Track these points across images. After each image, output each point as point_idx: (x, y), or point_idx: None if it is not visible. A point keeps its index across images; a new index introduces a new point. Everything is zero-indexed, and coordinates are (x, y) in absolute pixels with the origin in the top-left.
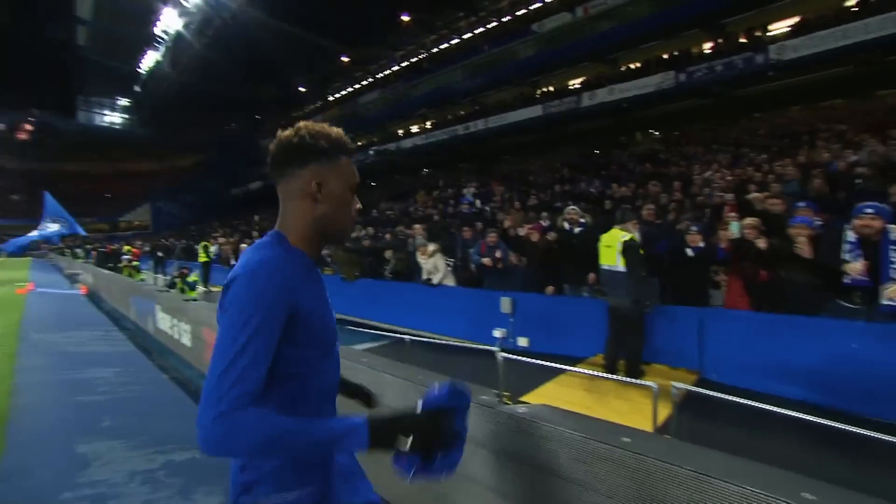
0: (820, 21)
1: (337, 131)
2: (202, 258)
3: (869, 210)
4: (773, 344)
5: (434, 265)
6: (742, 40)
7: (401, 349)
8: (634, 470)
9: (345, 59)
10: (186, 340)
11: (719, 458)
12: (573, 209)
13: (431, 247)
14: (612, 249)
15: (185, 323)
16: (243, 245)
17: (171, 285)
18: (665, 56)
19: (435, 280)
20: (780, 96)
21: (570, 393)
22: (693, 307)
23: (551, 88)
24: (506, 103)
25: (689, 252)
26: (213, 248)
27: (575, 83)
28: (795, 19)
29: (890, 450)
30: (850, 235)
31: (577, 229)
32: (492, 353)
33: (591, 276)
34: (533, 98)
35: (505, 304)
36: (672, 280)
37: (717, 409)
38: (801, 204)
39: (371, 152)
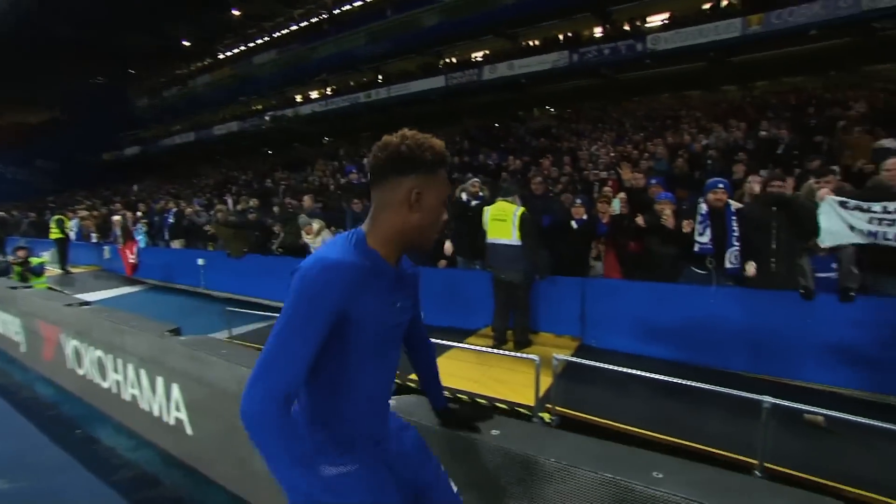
0: (683, 19)
1: (440, 144)
2: (55, 234)
3: (720, 185)
4: (642, 309)
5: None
6: (626, 28)
7: None
8: (502, 460)
9: (236, 12)
10: (16, 338)
11: (579, 442)
12: (476, 181)
13: (316, 225)
14: (505, 223)
15: (13, 316)
16: (116, 218)
17: (5, 271)
18: (561, 36)
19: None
20: (654, 83)
21: (461, 367)
22: (576, 277)
23: (454, 60)
24: (409, 72)
25: (574, 224)
26: (71, 223)
27: (477, 56)
28: (666, 14)
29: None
30: (703, 208)
31: (474, 202)
32: None
33: None
34: (436, 68)
35: None
36: (556, 251)
37: (593, 375)
38: (653, 181)
39: (266, 117)
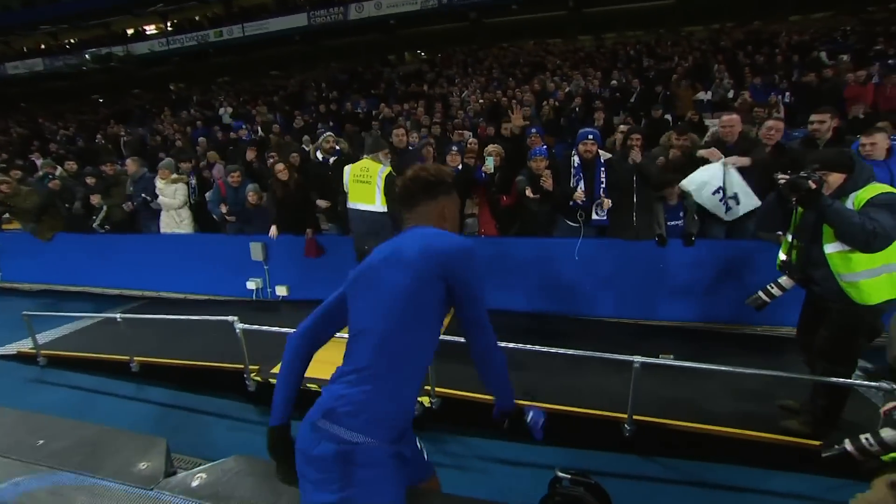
0: None
1: (450, 171)
2: None
3: (590, 136)
4: (516, 264)
5: (173, 194)
6: None
7: (109, 330)
8: None
9: None
10: None
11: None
12: (329, 135)
13: (176, 175)
14: (369, 186)
15: None
16: None
17: None
18: None
19: (176, 219)
20: (519, 29)
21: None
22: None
23: None
24: (265, 6)
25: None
26: None
27: None
28: None
29: None
30: (576, 160)
31: (331, 159)
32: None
33: None
34: (295, 5)
35: (255, 250)
36: None
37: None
38: (533, 130)
39: (86, 55)
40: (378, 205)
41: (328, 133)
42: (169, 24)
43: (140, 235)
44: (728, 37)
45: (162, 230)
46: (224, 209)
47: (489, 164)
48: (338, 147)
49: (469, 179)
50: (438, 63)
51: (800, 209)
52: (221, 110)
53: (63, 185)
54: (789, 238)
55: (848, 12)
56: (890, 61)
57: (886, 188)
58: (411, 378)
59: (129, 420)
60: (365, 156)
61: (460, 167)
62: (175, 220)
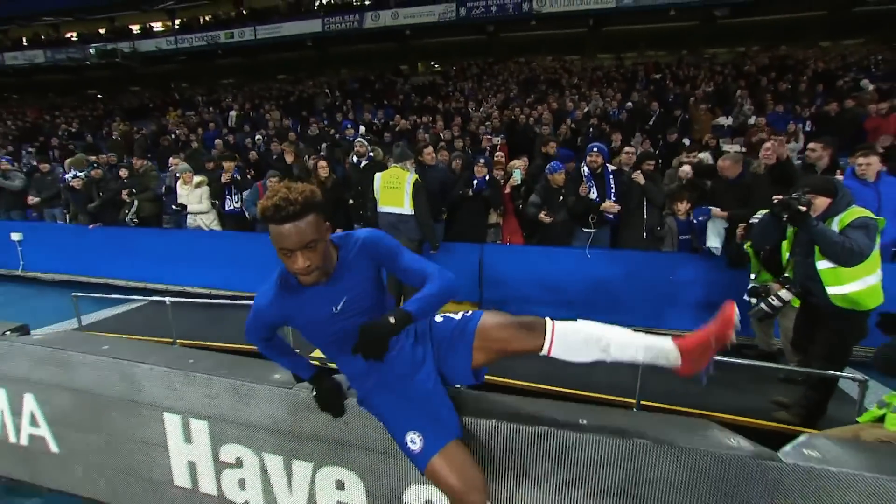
0: None
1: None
2: None
3: (595, 149)
4: (535, 272)
5: (199, 199)
6: None
7: (158, 313)
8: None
9: None
10: None
11: (512, 401)
12: (360, 141)
13: (198, 177)
14: (398, 191)
15: None
16: None
17: None
18: None
19: (205, 222)
20: (536, 44)
21: None
22: (474, 244)
23: (332, 1)
24: (276, 9)
25: (475, 184)
26: None
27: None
28: None
29: None
30: (585, 170)
31: (363, 162)
32: None
33: None
34: (310, 9)
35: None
36: (455, 218)
37: None
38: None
39: (91, 51)
40: (407, 208)
41: (360, 139)
42: (176, 22)
43: (170, 230)
44: (752, 61)
45: (189, 226)
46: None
47: (517, 177)
48: (370, 153)
49: (497, 190)
50: (452, 75)
51: (794, 228)
52: (232, 113)
53: (100, 177)
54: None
55: (879, 41)
56: None
57: (864, 212)
58: None
59: None
60: (393, 164)
61: (487, 178)
62: (204, 223)
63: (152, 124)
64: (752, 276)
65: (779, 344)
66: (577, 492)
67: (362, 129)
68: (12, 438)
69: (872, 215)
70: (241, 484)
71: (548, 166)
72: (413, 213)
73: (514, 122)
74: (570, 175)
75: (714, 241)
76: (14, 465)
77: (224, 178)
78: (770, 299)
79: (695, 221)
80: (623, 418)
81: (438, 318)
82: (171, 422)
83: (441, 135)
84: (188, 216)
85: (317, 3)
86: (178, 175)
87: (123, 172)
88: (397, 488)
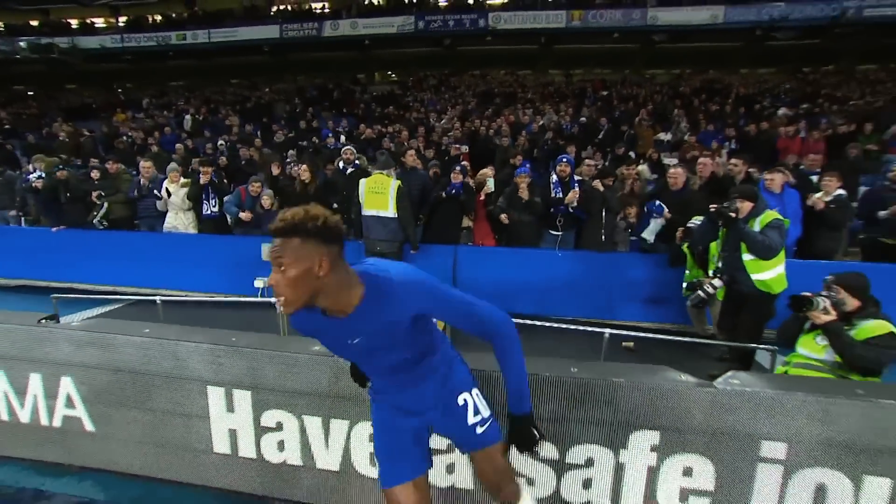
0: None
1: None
2: None
3: (564, 160)
4: (505, 272)
5: (182, 199)
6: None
7: (142, 314)
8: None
9: None
10: None
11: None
12: (349, 149)
13: (184, 179)
14: (382, 196)
15: None
16: None
17: None
18: None
19: (184, 222)
20: (491, 59)
21: None
22: (448, 245)
23: (289, 7)
24: (230, 12)
25: (452, 189)
26: None
27: (316, 7)
28: None
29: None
30: (554, 178)
31: (349, 169)
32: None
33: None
34: (267, 15)
35: (266, 250)
36: (432, 221)
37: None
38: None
39: (22, 44)
40: (390, 211)
41: (348, 147)
42: (121, 19)
43: (145, 233)
44: (686, 83)
45: (166, 229)
46: (245, 215)
47: (490, 185)
48: (357, 161)
49: (471, 196)
50: (410, 85)
51: (724, 230)
52: (187, 117)
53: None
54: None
55: (788, 72)
56: (823, 119)
57: (776, 215)
58: None
59: None
60: (377, 171)
61: (461, 183)
62: (183, 221)
63: (101, 125)
64: (687, 272)
65: (712, 329)
66: (572, 424)
67: (342, 137)
68: (44, 421)
69: (782, 217)
70: (280, 445)
71: (517, 170)
72: (396, 215)
73: (475, 133)
74: (538, 182)
75: (649, 235)
76: (45, 447)
77: (203, 178)
78: (706, 287)
79: (645, 210)
80: (602, 367)
81: (460, 402)
82: (215, 394)
83: (406, 143)
84: (165, 220)
85: (274, 10)
86: (161, 176)
87: (95, 174)
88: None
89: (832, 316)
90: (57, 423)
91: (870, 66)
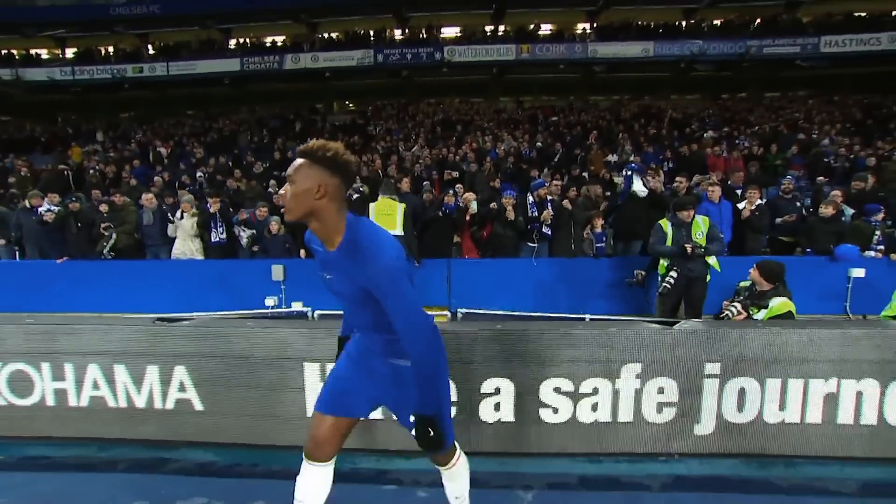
0: (472, 36)
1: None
2: None
3: (544, 185)
4: (493, 279)
5: (192, 227)
6: (423, 35)
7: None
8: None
9: None
10: None
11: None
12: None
13: (194, 209)
14: (391, 217)
15: None
16: None
17: None
18: (361, 31)
19: (192, 248)
20: (446, 88)
21: None
22: (443, 259)
23: (248, 41)
24: (186, 45)
25: (447, 209)
26: None
27: (274, 40)
28: (457, 28)
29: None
30: (531, 199)
31: (354, 196)
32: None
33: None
34: (226, 48)
35: (277, 271)
36: (430, 238)
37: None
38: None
39: None
40: (399, 230)
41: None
42: (69, 51)
43: (157, 261)
44: (626, 108)
45: (174, 255)
46: (245, 238)
47: (473, 206)
48: (361, 188)
49: (462, 215)
50: (369, 115)
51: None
52: (162, 150)
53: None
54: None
55: (708, 98)
56: (737, 141)
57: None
58: None
59: None
60: (384, 196)
61: (454, 204)
62: (191, 247)
63: (54, 159)
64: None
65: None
66: (582, 364)
67: None
68: (158, 405)
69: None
70: None
71: (504, 192)
72: (403, 234)
73: (443, 160)
74: (517, 202)
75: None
76: (159, 427)
77: (213, 208)
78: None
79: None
80: (600, 323)
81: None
82: (311, 369)
83: (379, 170)
84: (174, 247)
85: (233, 43)
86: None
87: (104, 207)
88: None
89: (744, 315)
90: (170, 406)
91: (773, 93)
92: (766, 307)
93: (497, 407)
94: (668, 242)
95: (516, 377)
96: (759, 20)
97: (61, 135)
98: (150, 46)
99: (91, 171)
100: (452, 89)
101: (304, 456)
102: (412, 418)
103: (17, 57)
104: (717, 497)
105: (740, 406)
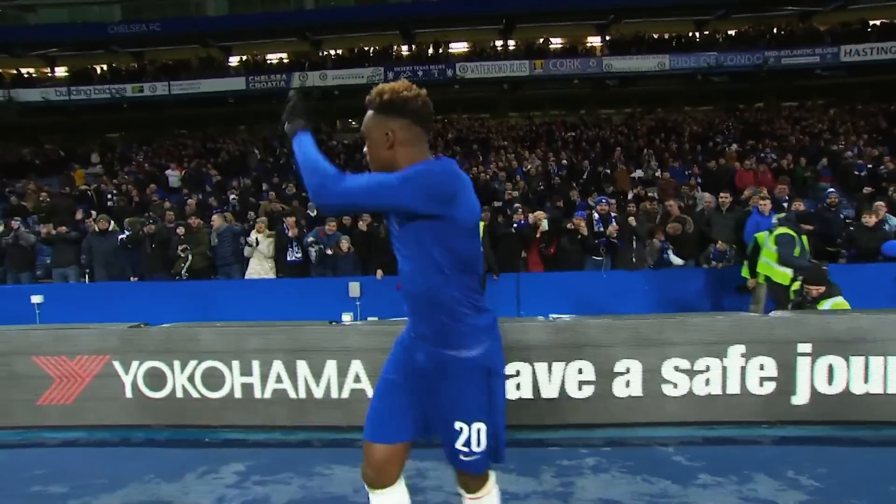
0: (482, 52)
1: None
2: None
3: (604, 200)
4: (560, 290)
5: (268, 247)
6: (430, 51)
7: None
8: None
9: None
10: None
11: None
12: None
13: (269, 230)
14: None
15: None
16: None
17: None
18: (367, 48)
19: (266, 267)
20: (454, 105)
21: None
22: (512, 273)
23: (250, 59)
24: (189, 66)
25: (515, 226)
26: None
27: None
28: (464, 43)
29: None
30: (595, 215)
31: None
32: None
33: None
34: (227, 67)
35: (353, 288)
36: (503, 253)
37: None
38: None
39: None
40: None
41: None
42: (58, 70)
43: (231, 280)
44: (641, 122)
45: (249, 276)
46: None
47: (545, 225)
48: None
49: (532, 231)
50: None
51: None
52: (175, 174)
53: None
54: None
55: (723, 109)
56: (762, 154)
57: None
58: None
59: None
60: None
61: (524, 221)
62: (265, 267)
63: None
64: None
65: None
66: (617, 348)
67: None
68: (334, 394)
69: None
70: None
71: (576, 213)
72: (482, 249)
73: (475, 179)
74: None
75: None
76: (336, 414)
77: (291, 232)
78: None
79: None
80: (705, 314)
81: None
82: None
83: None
84: (249, 266)
85: (236, 61)
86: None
87: (181, 230)
88: None
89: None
90: (346, 395)
91: (790, 103)
92: None
93: (627, 384)
94: (797, 253)
95: (643, 357)
96: (775, 30)
97: (53, 158)
98: (146, 65)
99: (110, 195)
100: (459, 106)
101: (366, 486)
102: (457, 425)
103: (6, 78)
104: (820, 450)
105: (830, 380)
